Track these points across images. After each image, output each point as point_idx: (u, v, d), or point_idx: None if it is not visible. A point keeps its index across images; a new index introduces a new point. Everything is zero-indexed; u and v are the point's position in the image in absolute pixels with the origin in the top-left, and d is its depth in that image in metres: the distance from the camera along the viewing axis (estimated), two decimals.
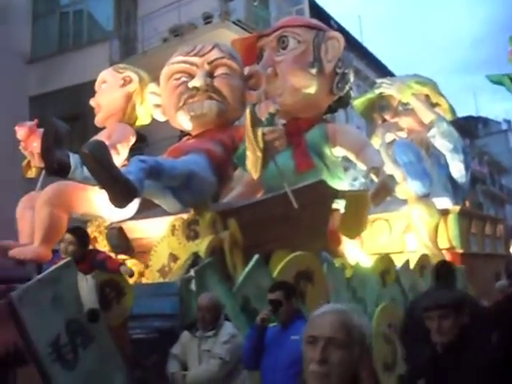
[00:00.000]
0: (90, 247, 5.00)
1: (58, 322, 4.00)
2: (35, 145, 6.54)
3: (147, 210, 6.44)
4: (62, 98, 15.41)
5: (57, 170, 5.58)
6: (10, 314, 3.76)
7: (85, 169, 5.31)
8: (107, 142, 5.72)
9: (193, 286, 4.89)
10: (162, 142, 10.12)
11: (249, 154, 5.75)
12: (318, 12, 17.67)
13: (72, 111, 14.26)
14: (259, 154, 5.57)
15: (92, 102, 7.65)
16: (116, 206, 5.04)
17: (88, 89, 12.48)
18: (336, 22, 17.49)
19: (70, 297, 4.12)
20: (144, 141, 7.55)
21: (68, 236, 4.46)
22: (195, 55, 7.23)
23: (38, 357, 3.80)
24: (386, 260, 6.70)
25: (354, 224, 6.96)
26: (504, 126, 47.79)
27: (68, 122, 6.42)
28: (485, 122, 48.21)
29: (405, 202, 8.69)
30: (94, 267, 4.38)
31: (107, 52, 14.36)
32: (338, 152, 7.81)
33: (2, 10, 16.08)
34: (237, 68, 7.29)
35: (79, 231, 4.62)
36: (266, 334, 3.92)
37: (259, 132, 5.59)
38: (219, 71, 7.14)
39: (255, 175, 5.85)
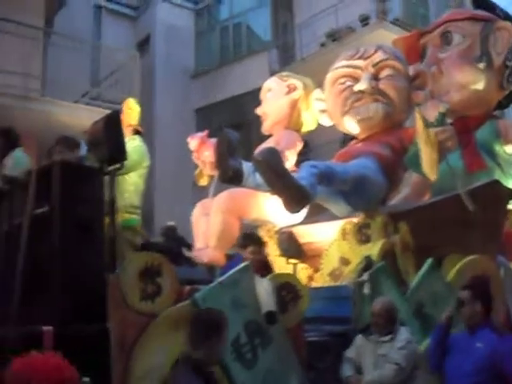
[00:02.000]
0: None
1: (238, 322, 4.15)
2: (207, 154, 6.87)
3: (315, 214, 6.52)
4: (225, 108, 16.11)
5: (231, 177, 5.82)
6: None
7: (257, 175, 5.49)
8: None
9: (366, 290, 4.88)
10: (324, 146, 10.20)
11: (423, 155, 5.61)
12: (481, 2, 16.68)
13: (235, 120, 14.83)
14: (435, 155, 5.42)
15: (258, 111, 7.86)
16: (290, 211, 5.15)
17: (250, 98, 12.93)
18: (502, 10, 16.45)
19: (248, 299, 4.27)
20: (306, 146, 7.64)
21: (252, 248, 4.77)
22: (359, 58, 7.20)
23: None
24: None
25: None
26: None
27: None
28: None
29: None
30: None
31: (266, 62, 14.70)
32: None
33: (169, 31, 17.18)
34: (402, 69, 7.15)
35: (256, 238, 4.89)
36: (449, 334, 3.85)
37: (431, 133, 5.44)
38: (384, 73, 7.05)
39: (432, 177, 5.69)
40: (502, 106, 8.08)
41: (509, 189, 6.56)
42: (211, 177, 7.04)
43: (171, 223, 7.54)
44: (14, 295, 4.04)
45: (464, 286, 4.06)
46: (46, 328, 3.66)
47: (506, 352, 3.64)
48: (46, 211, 4.08)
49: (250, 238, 5.08)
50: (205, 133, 7.20)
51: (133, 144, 5.73)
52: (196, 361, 3.11)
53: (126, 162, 4.50)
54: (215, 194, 6.76)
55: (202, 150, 6.98)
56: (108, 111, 5.94)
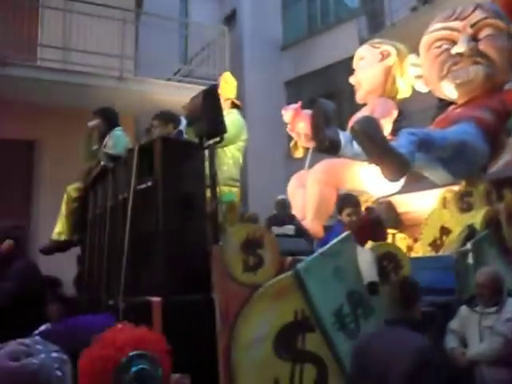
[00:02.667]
0: None
1: (340, 293, 4.16)
2: (301, 125, 6.83)
3: (413, 183, 6.37)
4: (314, 79, 15.99)
5: (328, 147, 5.78)
6: (297, 283, 4.02)
7: (354, 145, 5.41)
8: None
9: (470, 260, 4.75)
10: (418, 114, 9.89)
11: None
12: None
13: (326, 91, 14.66)
14: None
15: (351, 80, 7.70)
16: (389, 180, 5.06)
17: (339, 68, 12.70)
18: None
19: (350, 269, 4.26)
20: (400, 114, 7.42)
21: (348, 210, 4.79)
22: (456, 19, 6.82)
23: (323, 325, 4.02)
24: None
25: None
26: None
27: None
28: None
29: None
30: None
31: (355, 30, 14.32)
32: None
33: (255, 4, 17.17)
34: (503, 27, 6.69)
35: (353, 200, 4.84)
36: None
37: None
38: (484, 33, 6.63)
39: None
40: None
41: None
42: (306, 148, 7.00)
43: (282, 197, 7.53)
44: (121, 268, 4.20)
45: None
46: (154, 299, 3.79)
47: None
48: (149, 186, 4.21)
49: (346, 200, 5.05)
50: (298, 104, 7.13)
51: (231, 117, 5.76)
52: (412, 318, 3.63)
53: (224, 136, 4.54)
54: (311, 166, 6.72)
55: (297, 122, 6.93)
56: (200, 87, 6.00)
